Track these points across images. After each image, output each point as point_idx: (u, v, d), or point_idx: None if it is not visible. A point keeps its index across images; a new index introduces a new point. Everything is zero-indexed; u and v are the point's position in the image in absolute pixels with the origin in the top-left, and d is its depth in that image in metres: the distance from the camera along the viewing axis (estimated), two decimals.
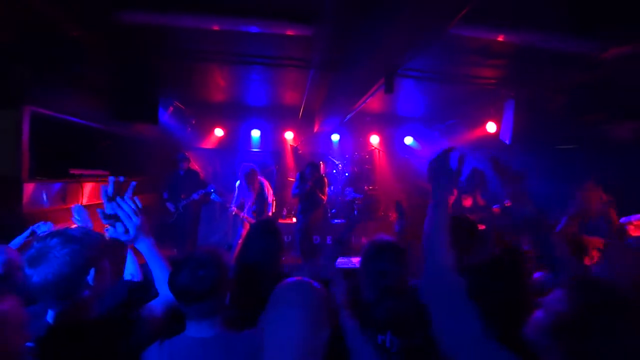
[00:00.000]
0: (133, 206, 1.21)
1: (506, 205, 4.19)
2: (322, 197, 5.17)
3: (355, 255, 4.43)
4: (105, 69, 3.61)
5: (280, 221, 6.09)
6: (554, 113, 4.12)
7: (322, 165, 6.67)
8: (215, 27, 2.94)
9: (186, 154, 5.48)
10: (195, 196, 5.07)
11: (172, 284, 1.08)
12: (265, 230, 1.64)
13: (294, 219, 6.15)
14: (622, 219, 2.18)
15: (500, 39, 2.87)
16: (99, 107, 4.17)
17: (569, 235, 1.60)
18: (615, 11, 2.41)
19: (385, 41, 2.35)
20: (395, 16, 2.03)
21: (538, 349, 0.74)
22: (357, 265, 1.55)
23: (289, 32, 2.93)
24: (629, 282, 1.18)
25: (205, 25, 2.90)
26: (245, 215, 4.57)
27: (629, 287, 1.19)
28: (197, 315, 1.08)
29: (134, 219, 1.20)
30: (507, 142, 4.36)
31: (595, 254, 1.66)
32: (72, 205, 1.58)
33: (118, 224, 1.19)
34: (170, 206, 5.18)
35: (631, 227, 2.13)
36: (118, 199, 1.21)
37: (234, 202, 4.70)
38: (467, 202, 4.57)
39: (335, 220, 6.16)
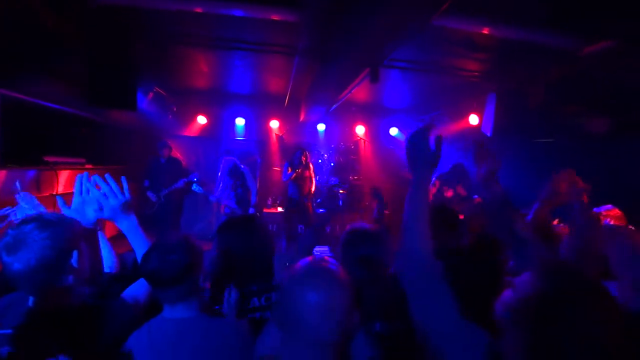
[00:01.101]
0: (116, 186, 1.22)
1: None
2: (311, 184, 5.20)
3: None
4: (81, 52, 3.44)
5: (265, 210, 6.07)
6: (534, 107, 4.22)
7: (307, 155, 6.67)
8: (198, 10, 2.84)
9: (168, 141, 5.34)
10: (177, 185, 4.97)
11: (143, 269, 1.08)
12: (245, 229, 1.51)
13: (279, 209, 6.14)
14: (594, 210, 2.26)
15: (484, 31, 2.90)
16: (75, 92, 4.00)
17: (540, 221, 1.65)
18: (594, 7, 2.46)
19: (370, 31, 2.34)
20: (379, 6, 2.01)
21: (503, 326, 0.76)
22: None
23: (274, 17, 2.86)
24: (592, 258, 1.25)
25: (186, 7, 2.80)
26: (227, 204, 4.54)
27: (592, 262, 1.25)
28: (171, 299, 1.08)
29: (119, 196, 1.21)
30: (488, 134, 4.45)
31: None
32: (17, 194, 1.49)
33: (90, 204, 1.19)
34: (151, 195, 5.06)
35: (607, 218, 2.21)
36: (95, 178, 1.21)
37: (215, 194, 4.66)
38: (449, 193, 4.67)
39: (320, 210, 6.18)
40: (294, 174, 5.15)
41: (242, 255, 1.41)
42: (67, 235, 1.05)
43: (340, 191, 6.36)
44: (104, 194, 1.21)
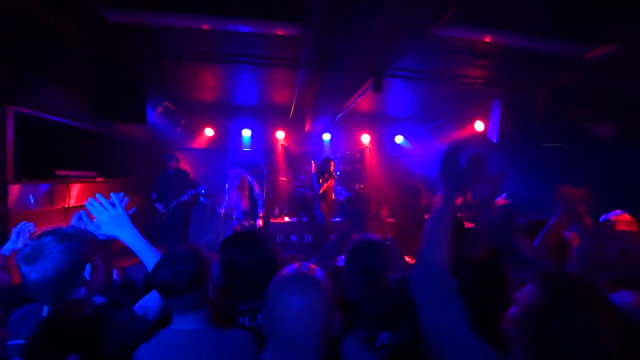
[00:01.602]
0: (105, 201, 1.26)
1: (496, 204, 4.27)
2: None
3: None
4: (92, 68, 3.55)
5: (272, 220, 6.09)
6: (539, 112, 4.21)
7: (313, 165, 6.70)
8: (205, 27, 2.93)
9: (175, 153, 5.43)
10: (185, 197, 5.03)
11: (153, 279, 1.10)
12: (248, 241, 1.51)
13: (286, 218, 6.16)
14: (602, 217, 2.23)
15: (486, 39, 2.93)
16: (86, 107, 4.10)
17: (556, 236, 1.64)
18: (593, 12, 2.48)
19: (372, 42, 2.39)
20: (380, 17, 2.06)
21: (510, 340, 0.77)
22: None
23: (279, 32, 2.94)
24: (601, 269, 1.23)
25: (194, 24, 2.89)
26: (235, 216, 4.58)
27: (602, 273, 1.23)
28: (180, 309, 1.10)
29: (110, 210, 1.25)
30: (494, 140, 4.44)
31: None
32: (75, 213, 1.55)
33: (89, 221, 1.25)
34: (159, 207, 5.13)
35: (618, 223, 2.16)
36: (89, 199, 1.26)
37: (223, 205, 4.70)
38: (457, 200, 4.63)
39: (334, 219, 6.18)
40: (325, 185, 5.23)
41: (239, 273, 1.40)
42: (82, 248, 1.09)
43: (347, 199, 6.35)
44: (97, 211, 1.25)
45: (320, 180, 5.32)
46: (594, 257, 1.31)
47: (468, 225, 3.38)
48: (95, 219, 1.27)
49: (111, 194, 1.30)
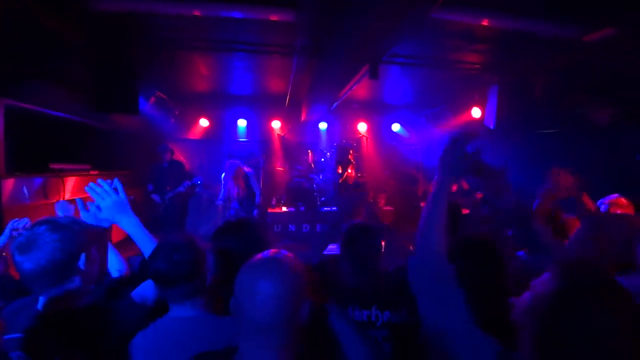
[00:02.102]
0: (108, 186, 1.26)
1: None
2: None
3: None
4: (83, 59, 3.47)
5: (270, 210, 6.08)
6: (537, 98, 4.18)
7: (310, 154, 6.67)
8: (196, 13, 2.85)
9: (169, 144, 5.37)
10: (181, 188, 5.01)
11: (150, 268, 1.10)
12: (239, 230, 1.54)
13: (284, 208, 6.15)
14: (599, 201, 2.24)
15: (484, 23, 2.88)
16: (78, 99, 4.04)
17: (547, 214, 1.65)
18: None
19: (367, 27, 2.34)
20: (375, 1, 2.01)
21: (520, 328, 0.75)
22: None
23: (273, 18, 2.87)
24: (601, 255, 1.23)
25: (185, 11, 2.82)
26: (231, 206, 4.58)
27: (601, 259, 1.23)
28: (177, 298, 1.09)
29: (113, 195, 1.25)
30: (491, 127, 4.42)
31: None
32: (56, 202, 1.55)
33: (90, 206, 1.25)
34: (156, 198, 5.11)
35: (614, 206, 2.17)
36: (90, 184, 1.26)
37: (220, 197, 4.69)
38: (452, 187, 4.65)
39: (325, 208, 6.18)
40: (346, 173, 5.20)
41: (233, 262, 1.40)
42: (77, 238, 1.08)
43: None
44: (99, 195, 1.25)
45: (340, 169, 5.28)
46: (593, 242, 1.31)
47: (464, 211, 3.39)
48: (93, 204, 1.26)
49: (115, 179, 1.30)
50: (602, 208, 2.11)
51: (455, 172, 0.98)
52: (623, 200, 2.21)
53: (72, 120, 4.48)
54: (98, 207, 1.26)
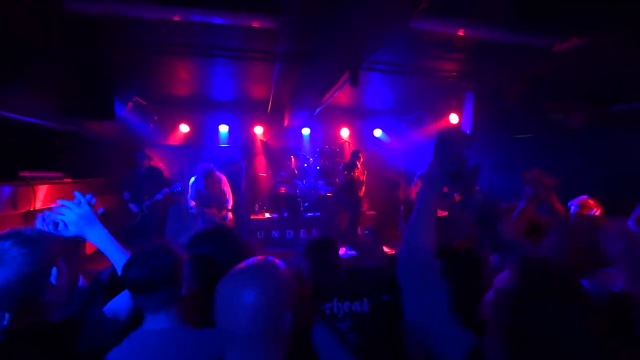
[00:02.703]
0: (69, 202, 1.23)
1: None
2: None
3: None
4: (54, 63, 3.35)
5: (253, 217, 6.02)
6: (511, 103, 4.34)
7: (293, 160, 6.65)
8: (176, 18, 2.81)
9: (147, 151, 5.22)
10: (159, 196, 4.88)
11: (123, 277, 1.07)
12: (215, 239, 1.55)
13: (267, 214, 6.10)
14: (570, 202, 2.34)
15: (460, 33, 2.98)
16: (49, 104, 3.88)
17: (529, 218, 1.71)
18: (563, 5, 2.57)
19: (347, 35, 2.38)
20: (355, 11, 2.05)
21: (486, 324, 0.79)
22: None
23: (254, 24, 2.87)
24: (572, 255, 1.28)
25: (165, 16, 2.77)
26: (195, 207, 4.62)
27: (572, 259, 1.29)
28: (152, 307, 1.07)
29: (76, 209, 1.21)
30: (467, 132, 4.55)
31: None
32: (38, 215, 1.47)
33: (53, 221, 1.21)
34: (133, 207, 4.94)
35: (582, 208, 2.27)
36: (58, 202, 1.23)
37: (190, 197, 4.69)
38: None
39: (309, 214, 6.17)
40: (349, 176, 5.30)
41: (210, 270, 1.40)
42: (46, 251, 1.04)
43: (328, 194, 6.37)
44: (61, 213, 1.22)
45: (345, 172, 5.40)
46: (565, 243, 1.37)
47: (441, 213, 3.46)
48: (60, 221, 1.22)
49: (75, 193, 1.25)
50: (572, 209, 2.20)
51: (447, 169, 0.98)
52: (591, 201, 2.32)
53: (44, 126, 4.29)
54: (64, 223, 1.22)
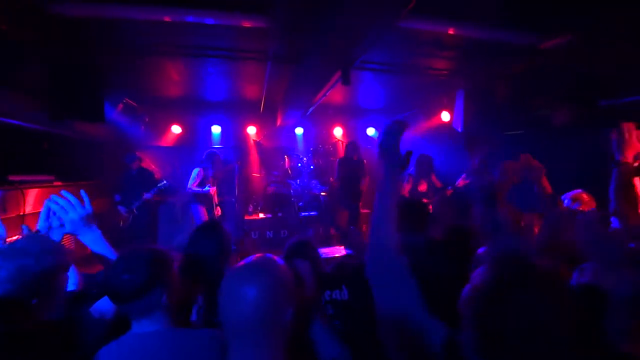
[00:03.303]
0: (75, 199, 1.23)
1: (457, 185, 4.49)
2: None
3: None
4: (42, 64, 3.30)
5: (247, 217, 6.00)
6: (500, 101, 4.40)
7: (287, 160, 6.65)
8: (166, 19, 2.79)
9: (137, 153, 5.18)
10: (148, 195, 4.85)
11: (103, 286, 1.08)
12: (209, 233, 1.65)
13: (261, 215, 6.09)
14: (563, 196, 2.35)
15: (450, 32, 3.01)
16: (38, 106, 3.83)
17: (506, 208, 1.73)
18: (549, 4, 2.61)
19: (338, 34, 2.39)
20: (346, 10, 2.06)
21: (463, 321, 0.78)
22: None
23: (245, 24, 2.86)
24: (557, 249, 1.31)
25: (154, 16, 2.75)
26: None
27: (558, 253, 1.31)
28: (134, 314, 1.07)
29: (79, 209, 1.22)
30: (459, 130, 4.60)
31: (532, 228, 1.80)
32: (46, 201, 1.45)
33: (53, 219, 1.21)
34: (122, 209, 4.90)
35: (575, 202, 2.28)
36: (53, 196, 1.22)
37: (194, 180, 4.78)
38: (423, 186, 4.78)
39: (304, 214, 6.18)
40: (345, 173, 5.22)
41: (202, 262, 1.43)
42: (40, 266, 1.04)
43: (322, 193, 6.38)
44: (64, 209, 1.21)
45: (341, 169, 5.33)
46: (554, 237, 1.39)
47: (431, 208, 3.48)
48: (56, 218, 1.22)
49: (81, 192, 1.26)
50: (566, 203, 2.22)
51: (396, 162, 0.99)
52: (585, 195, 2.33)
53: (33, 129, 4.23)
54: (61, 222, 1.21)
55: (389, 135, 1.02)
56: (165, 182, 4.88)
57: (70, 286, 1.43)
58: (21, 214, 3.91)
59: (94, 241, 1.24)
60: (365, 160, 5.57)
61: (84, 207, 1.24)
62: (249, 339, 0.79)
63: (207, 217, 4.78)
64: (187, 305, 1.24)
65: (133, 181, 4.99)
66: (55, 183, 4.58)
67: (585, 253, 1.30)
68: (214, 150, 5.00)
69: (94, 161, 5.36)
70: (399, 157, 0.99)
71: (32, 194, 4.11)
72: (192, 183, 4.77)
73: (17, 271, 1.00)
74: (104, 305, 1.13)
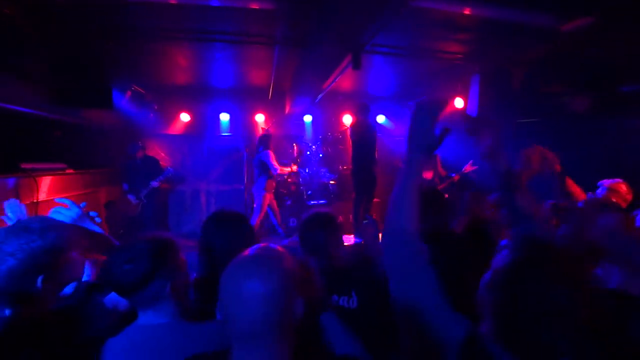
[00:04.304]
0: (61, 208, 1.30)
1: (464, 172, 4.40)
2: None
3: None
4: (51, 52, 3.29)
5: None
6: (517, 87, 4.24)
7: (295, 147, 6.59)
8: (172, 1, 2.73)
9: (139, 142, 5.15)
10: (154, 184, 4.88)
11: (103, 277, 1.07)
12: (225, 221, 1.53)
13: None
14: (599, 182, 2.22)
15: (465, 12, 2.88)
16: (48, 94, 3.84)
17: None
18: None
19: (348, 15, 2.29)
20: None
21: (481, 308, 0.76)
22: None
23: (252, 6, 2.78)
24: (583, 243, 1.24)
25: None
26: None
27: (582, 246, 1.24)
28: (139, 305, 1.05)
29: (67, 212, 1.27)
30: (473, 116, 4.47)
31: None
32: (5, 201, 1.44)
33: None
34: (132, 198, 4.94)
35: (611, 192, 2.14)
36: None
37: (276, 165, 5.03)
38: (429, 174, 4.69)
39: (312, 202, 6.15)
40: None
41: (220, 252, 1.37)
42: (43, 241, 1.03)
43: (331, 182, 6.33)
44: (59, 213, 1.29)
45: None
46: (577, 235, 1.32)
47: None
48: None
49: (67, 201, 1.33)
50: (600, 190, 2.11)
51: (422, 148, 0.93)
52: (624, 186, 2.19)
53: (44, 117, 4.26)
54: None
55: (422, 117, 0.93)
56: (170, 169, 4.89)
57: (85, 277, 1.44)
58: (35, 201, 3.97)
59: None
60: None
61: (70, 210, 1.28)
62: (255, 339, 0.73)
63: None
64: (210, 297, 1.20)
65: (139, 170, 5.02)
66: (67, 171, 4.63)
67: (610, 256, 1.23)
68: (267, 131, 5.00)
69: (105, 149, 5.41)
70: (433, 139, 0.92)
71: (45, 182, 4.16)
72: (276, 165, 4.87)
73: (20, 246, 1.00)
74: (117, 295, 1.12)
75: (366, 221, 4.96)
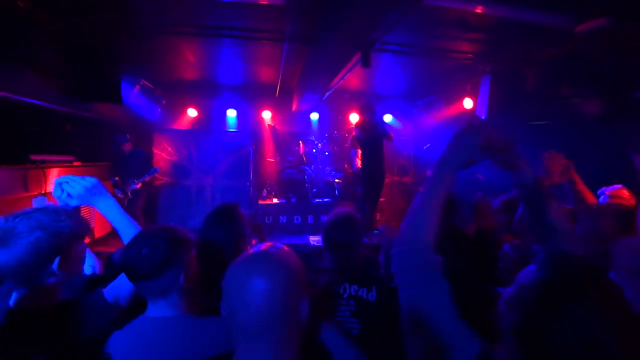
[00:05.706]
0: (75, 177, 1.24)
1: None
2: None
3: None
4: (62, 45, 3.31)
5: (260, 202, 6.01)
6: (528, 89, 4.17)
7: (301, 145, 6.59)
8: None
9: (127, 135, 5.06)
10: (133, 186, 4.78)
11: (121, 261, 1.05)
12: (223, 216, 1.57)
13: (275, 200, 6.09)
14: (600, 191, 2.19)
15: (477, 10, 2.83)
16: (58, 87, 3.87)
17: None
18: None
19: (359, 12, 2.26)
20: None
21: (501, 324, 0.71)
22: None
23: (262, 1, 2.77)
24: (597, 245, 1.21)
25: None
26: None
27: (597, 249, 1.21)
28: (150, 294, 1.04)
29: (82, 182, 1.21)
30: (482, 117, 4.41)
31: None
32: (34, 199, 1.48)
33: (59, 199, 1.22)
34: (118, 192, 4.83)
35: (614, 199, 2.10)
36: (56, 180, 1.24)
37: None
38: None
39: (317, 200, 6.14)
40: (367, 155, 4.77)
41: (216, 249, 1.38)
42: (54, 240, 1.04)
43: (337, 180, 6.31)
44: (68, 184, 1.22)
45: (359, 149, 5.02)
46: (590, 238, 1.28)
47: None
48: (63, 196, 1.22)
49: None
50: (602, 198, 2.07)
51: (461, 166, 0.90)
52: (625, 192, 2.14)
53: (54, 109, 4.30)
54: (69, 196, 1.21)
55: (467, 141, 0.89)
56: (156, 168, 4.80)
57: (88, 269, 1.44)
58: (43, 192, 4.01)
59: (109, 209, 1.23)
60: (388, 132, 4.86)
61: (84, 180, 1.23)
62: (259, 337, 0.72)
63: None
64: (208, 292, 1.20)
65: (126, 163, 4.92)
66: (75, 163, 4.68)
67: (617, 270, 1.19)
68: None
69: (111, 141, 5.44)
70: (469, 162, 0.89)
71: (53, 174, 4.21)
72: None
73: (50, 222, 1.02)
74: (120, 288, 1.11)
75: (377, 231, 4.84)
